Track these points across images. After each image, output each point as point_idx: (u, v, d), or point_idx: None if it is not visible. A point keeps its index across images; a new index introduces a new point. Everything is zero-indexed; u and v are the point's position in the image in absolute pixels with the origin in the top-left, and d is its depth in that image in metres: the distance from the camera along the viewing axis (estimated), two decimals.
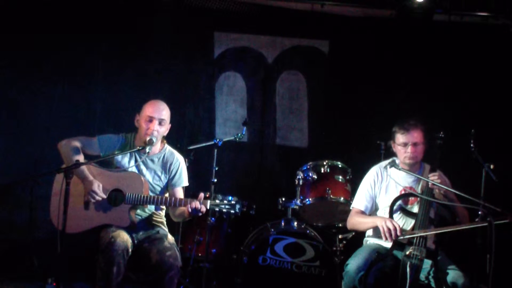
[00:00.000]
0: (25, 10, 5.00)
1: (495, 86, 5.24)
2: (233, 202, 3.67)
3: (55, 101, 5.11)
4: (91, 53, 5.17)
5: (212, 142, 4.12)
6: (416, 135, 3.75)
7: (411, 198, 3.81)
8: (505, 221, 3.28)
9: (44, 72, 5.08)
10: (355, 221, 3.86)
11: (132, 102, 4.58)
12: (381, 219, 3.60)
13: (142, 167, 3.75)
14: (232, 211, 3.65)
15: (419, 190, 3.81)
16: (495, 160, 3.76)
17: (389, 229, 3.51)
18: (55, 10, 5.02)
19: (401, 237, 3.53)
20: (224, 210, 3.65)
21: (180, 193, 3.82)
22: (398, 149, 3.82)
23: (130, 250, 3.46)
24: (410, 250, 3.53)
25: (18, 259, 4.64)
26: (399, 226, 3.54)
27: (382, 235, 3.54)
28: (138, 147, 3.65)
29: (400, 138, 3.78)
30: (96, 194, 3.54)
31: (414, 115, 3.90)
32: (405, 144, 3.77)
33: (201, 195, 3.57)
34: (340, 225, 4.60)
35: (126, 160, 3.75)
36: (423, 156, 3.86)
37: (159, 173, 3.77)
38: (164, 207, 3.85)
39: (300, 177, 4.49)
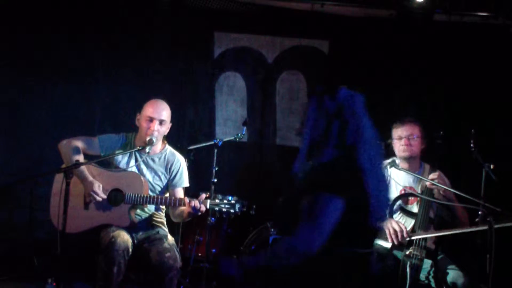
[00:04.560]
0: (25, 10, 4.99)
1: (495, 86, 5.24)
2: (233, 201, 3.67)
3: (55, 101, 5.11)
4: (91, 53, 5.17)
5: (212, 142, 4.12)
6: (411, 129, 3.78)
7: (411, 198, 3.81)
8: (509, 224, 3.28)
9: (44, 72, 5.07)
10: None
11: (132, 102, 4.59)
12: (386, 220, 3.59)
13: (143, 166, 3.75)
14: (232, 211, 3.65)
15: (419, 190, 3.82)
16: (495, 160, 3.76)
17: (395, 231, 3.50)
18: (55, 9, 5.01)
19: (407, 238, 3.53)
20: (224, 209, 3.65)
21: (180, 194, 3.82)
22: (394, 143, 3.85)
23: (130, 250, 3.46)
24: (410, 250, 3.53)
25: (18, 259, 4.64)
26: (406, 228, 3.53)
27: (388, 236, 3.52)
28: (138, 147, 3.66)
29: (396, 131, 3.84)
30: (97, 194, 3.54)
31: (414, 114, 3.92)
32: (400, 138, 3.79)
33: (202, 195, 3.57)
34: None
35: (126, 160, 3.75)
36: (420, 154, 3.87)
37: (160, 173, 3.77)
38: (164, 207, 3.85)
39: None
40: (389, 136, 3.95)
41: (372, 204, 2.25)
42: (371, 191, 2.24)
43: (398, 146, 3.82)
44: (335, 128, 2.28)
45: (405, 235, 3.49)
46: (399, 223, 3.55)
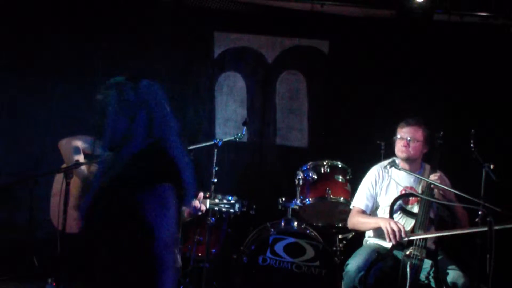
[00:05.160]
0: (25, 10, 4.99)
1: (495, 86, 5.24)
2: (232, 201, 3.67)
3: (55, 101, 5.10)
4: (91, 53, 5.16)
5: (212, 142, 4.11)
6: (413, 132, 3.78)
7: (411, 198, 3.81)
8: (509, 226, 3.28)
9: (43, 72, 5.07)
10: (356, 221, 3.85)
11: None
12: (385, 220, 3.59)
13: None
14: (232, 211, 3.65)
15: (419, 190, 3.81)
16: (495, 160, 3.76)
17: (393, 231, 3.50)
18: (55, 9, 5.02)
19: (405, 239, 3.53)
20: (224, 209, 3.64)
21: None
22: (396, 142, 3.86)
23: None
24: (410, 250, 3.53)
25: (18, 259, 4.64)
26: (404, 228, 3.53)
27: (386, 236, 3.52)
28: None
29: (400, 131, 3.85)
30: None
31: (416, 115, 3.92)
32: (402, 138, 3.80)
33: (201, 194, 3.56)
34: (340, 225, 4.59)
35: None
36: (421, 156, 3.87)
37: None
38: None
39: (300, 177, 4.48)
40: (388, 135, 3.96)
41: (186, 190, 2.27)
42: (184, 177, 2.26)
43: (398, 146, 3.84)
44: (141, 118, 2.27)
45: (403, 235, 3.50)
46: (397, 223, 3.55)
